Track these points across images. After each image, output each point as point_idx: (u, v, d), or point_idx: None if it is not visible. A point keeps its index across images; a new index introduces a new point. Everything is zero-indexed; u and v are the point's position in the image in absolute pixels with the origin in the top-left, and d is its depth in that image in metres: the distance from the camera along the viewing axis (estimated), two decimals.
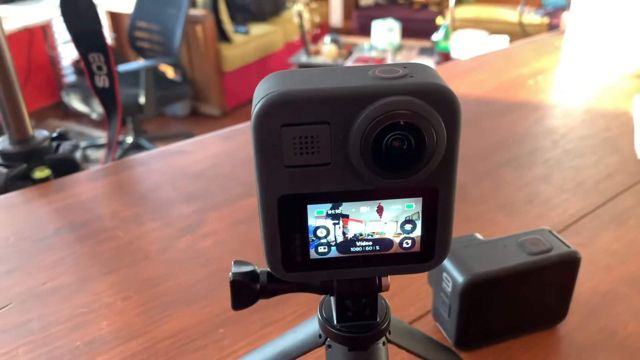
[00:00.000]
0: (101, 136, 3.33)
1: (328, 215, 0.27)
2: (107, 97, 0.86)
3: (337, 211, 0.27)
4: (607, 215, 0.65)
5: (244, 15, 3.84)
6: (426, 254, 0.28)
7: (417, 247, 0.28)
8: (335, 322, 0.33)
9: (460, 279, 0.43)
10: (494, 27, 4.07)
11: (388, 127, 0.24)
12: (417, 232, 0.28)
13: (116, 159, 0.87)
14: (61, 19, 0.77)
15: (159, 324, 0.50)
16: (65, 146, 0.78)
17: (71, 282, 0.56)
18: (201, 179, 0.73)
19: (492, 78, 1.04)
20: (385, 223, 0.28)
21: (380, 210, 0.27)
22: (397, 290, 0.53)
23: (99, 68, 0.83)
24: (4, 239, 0.62)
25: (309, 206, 0.27)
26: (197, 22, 3.40)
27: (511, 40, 3.26)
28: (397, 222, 0.28)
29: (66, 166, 0.77)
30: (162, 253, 0.60)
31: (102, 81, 0.84)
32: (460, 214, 0.65)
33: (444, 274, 0.45)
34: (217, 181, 0.72)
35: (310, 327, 0.36)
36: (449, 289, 0.45)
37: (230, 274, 0.31)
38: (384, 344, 0.34)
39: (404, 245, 0.28)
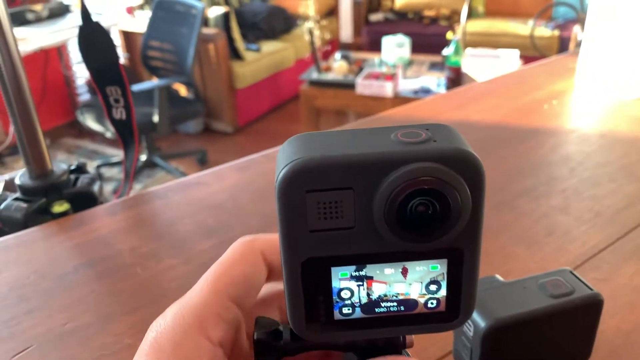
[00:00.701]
0: (115, 154, 3.37)
1: (352, 277, 0.27)
2: (124, 129, 0.87)
3: (362, 273, 0.27)
4: (628, 247, 0.64)
5: (255, 33, 3.87)
6: (451, 313, 0.28)
7: (442, 307, 0.28)
8: None
9: (482, 323, 0.43)
10: (504, 41, 4.08)
11: (412, 193, 0.24)
12: (442, 293, 0.28)
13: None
14: (79, 54, 0.78)
15: None
16: (83, 180, 0.79)
17: (92, 322, 0.56)
18: (220, 212, 0.73)
19: (506, 103, 1.04)
20: (410, 284, 0.28)
21: (404, 272, 0.27)
22: None
23: (116, 100, 0.84)
24: (25, 278, 0.62)
25: (332, 268, 0.27)
26: (209, 41, 3.43)
27: (522, 54, 3.26)
28: (421, 282, 0.28)
29: (84, 200, 0.78)
30: (182, 290, 0.59)
31: (119, 113, 0.85)
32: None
33: None
34: (236, 214, 0.73)
35: None
36: (471, 333, 0.44)
37: (254, 333, 0.31)
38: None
39: (429, 305, 0.28)
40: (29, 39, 2.88)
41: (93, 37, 0.78)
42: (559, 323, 0.45)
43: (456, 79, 3.02)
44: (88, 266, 0.64)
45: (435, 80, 3.14)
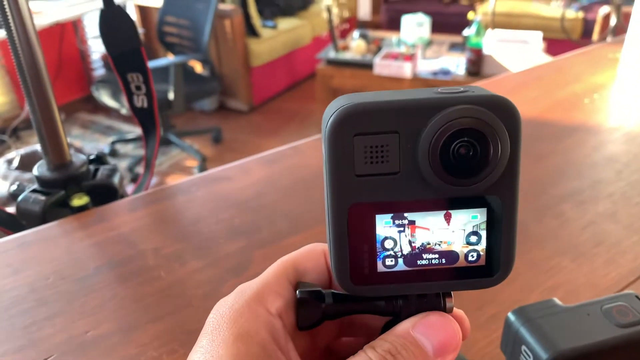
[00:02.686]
0: (130, 131, 3.34)
1: (395, 224, 0.28)
2: (146, 117, 0.83)
3: (404, 220, 0.28)
4: None
5: (272, 9, 3.80)
6: (491, 267, 0.29)
7: (482, 261, 0.29)
8: None
9: (544, 355, 0.39)
10: (526, 22, 3.97)
11: (454, 134, 0.25)
12: (482, 245, 0.28)
13: None
14: (100, 40, 0.74)
15: None
16: (103, 171, 0.75)
17: (114, 331, 0.53)
18: (245, 211, 0.70)
19: (544, 95, 0.99)
20: (453, 231, 0.28)
21: (448, 217, 0.28)
22: (461, 351, 0.49)
23: (138, 88, 0.81)
24: (44, 279, 0.60)
25: (377, 216, 0.27)
26: (225, 17, 3.37)
27: (545, 36, 3.16)
28: (464, 230, 0.28)
29: (104, 192, 0.74)
30: (207, 299, 0.57)
31: (140, 101, 0.82)
32: (523, 258, 0.61)
33: (523, 347, 0.41)
34: (262, 213, 0.69)
35: None
36: None
37: (297, 291, 0.31)
38: None
39: (470, 258, 0.29)
40: (45, 13, 2.84)
41: (114, 21, 0.74)
42: (626, 355, 0.42)
43: (477, 60, 2.94)
44: (109, 267, 0.61)
45: (456, 62, 3.06)
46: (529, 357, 0.41)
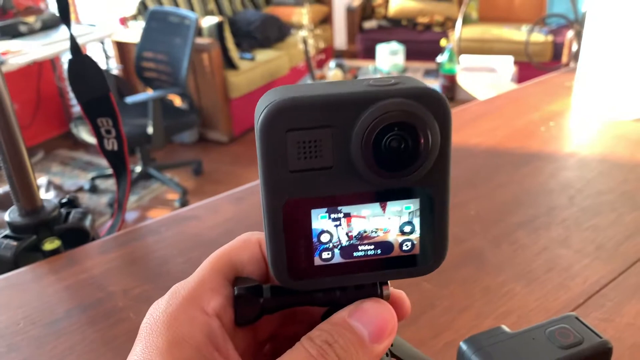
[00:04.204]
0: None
1: (331, 218, 0.28)
2: (117, 160, 0.85)
3: (340, 213, 0.28)
4: (630, 282, 0.63)
5: (249, 41, 3.86)
6: (425, 256, 0.30)
7: (416, 250, 0.30)
8: None
9: None
10: (498, 47, 4.08)
11: (386, 128, 0.26)
12: (416, 234, 0.29)
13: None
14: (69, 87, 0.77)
15: None
16: (75, 215, 0.77)
17: None
18: (214, 249, 0.72)
19: (502, 125, 1.03)
20: (389, 218, 0.29)
21: (383, 206, 0.28)
22: None
23: (108, 132, 0.83)
24: (14, 324, 0.61)
25: (313, 210, 0.28)
26: (203, 51, 3.42)
27: (516, 60, 3.25)
28: (399, 218, 0.29)
29: (76, 235, 0.76)
30: None
31: (110, 144, 0.84)
32: (479, 284, 0.64)
33: None
34: None
35: None
36: None
37: (235, 287, 0.31)
38: (387, 355, 0.34)
39: (404, 247, 0.29)
40: (22, 52, 2.86)
41: (83, 70, 0.76)
42: None
43: (451, 86, 3.02)
44: (79, 310, 0.63)
45: None
46: None
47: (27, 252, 0.73)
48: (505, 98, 1.17)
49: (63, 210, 0.78)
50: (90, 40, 3.18)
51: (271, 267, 0.29)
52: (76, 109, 3.64)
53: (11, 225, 0.74)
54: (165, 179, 3.13)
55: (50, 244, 0.74)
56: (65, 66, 0.75)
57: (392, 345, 0.34)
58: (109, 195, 3.07)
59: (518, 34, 4.15)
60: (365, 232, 0.29)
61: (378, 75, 3.22)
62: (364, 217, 0.28)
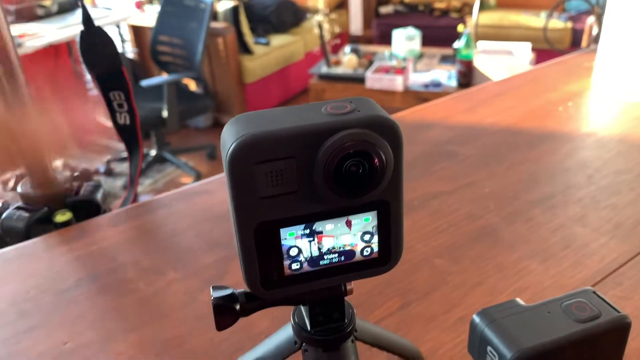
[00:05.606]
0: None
1: (303, 235, 0.31)
2: (129, 134, 0.85)
3: (311, 230, 0.31)
4: None
5: (264, 26, 3.84)
6: (384, 258, 0.33)
7: (375, 254, 0.33)
8: (309, 328, 0.37)
9: (508, 354, 0.41)
10: (516, 33, 4.01)
11: (345, 156, 0.28)
12: (375, 241, 0.33)
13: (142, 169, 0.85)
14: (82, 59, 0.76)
15: None
16: (86, 187, 0.77)
17: (93, 341, 0.54)
18: (224, 223, 0.71)
19: (519, 105, 1.01)
20: (355, 234, 0.32)
21: (349, 224, 0.32)
22: (428, 352, 0.51)
23: (120, 105, 0.82)
24: (25, 292, 0.61)
25: (282, 229, 0.30)
26: (218, 35, 3.41)
27: (534, 47, 3.20)
28: (359, 233, 0.32)
29: (87, 208, 0.76)
30: (185, 308, 0.58)
31: (123, 118, 0.84)
32: (494, 260, 0.63)
33: (489, 348, 0.43)
34: None
35: (284, 335, 0.40)
36: None
37: (212, 298, 0.35)
38: (352, 341, 0.38)
39: (365, 253, 0.33)
40: (39, 34, 2.87)
41: (95, 42, 0.76)
42: (587, 349, 0.43)
43: (467, 72, 2.98)
44: (90, 280, 0.63)
45: (446, 74, 3.09)
46: (495, 356, 0.42)
47: (38, 224, 0.73)
48: (522, 78, 1.15)
49: (75, 184, 0.78)
50: (106, 24, 3.18)
51: (246, 280, 0.31)
52: (92, 92, 3.66)
53: (23, 197, 0.74)
54: (179, 162, 3.13)
55: (61, 216, 0.74)
56: (78, 38, 0.74)
57: (355, 331, 0.38)
58: (124, 178, 3.08)
59: (536, 20, 4.08)
60: (333, 248, 0.32)
61: (395, 63, 3.19)
62: (332, 237, 0.32)
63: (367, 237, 0.32)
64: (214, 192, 0.79)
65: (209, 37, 3.11)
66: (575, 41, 3.96)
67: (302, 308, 0.38)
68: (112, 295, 0.60)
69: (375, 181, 0.29)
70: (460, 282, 0.60)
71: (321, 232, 0.31)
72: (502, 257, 0.63)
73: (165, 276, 0.63)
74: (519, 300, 0.47)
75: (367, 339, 0.42)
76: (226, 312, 0.36)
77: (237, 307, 0.36)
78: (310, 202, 0.30)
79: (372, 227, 0.32)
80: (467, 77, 2.97)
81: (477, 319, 0.46)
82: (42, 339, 0.55)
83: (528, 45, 3.13)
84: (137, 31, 3.80)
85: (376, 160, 0.29)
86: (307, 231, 0.31)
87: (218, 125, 3.75)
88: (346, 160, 0.28)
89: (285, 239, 0.31)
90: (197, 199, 0.77)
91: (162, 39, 3.12)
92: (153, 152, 3.10)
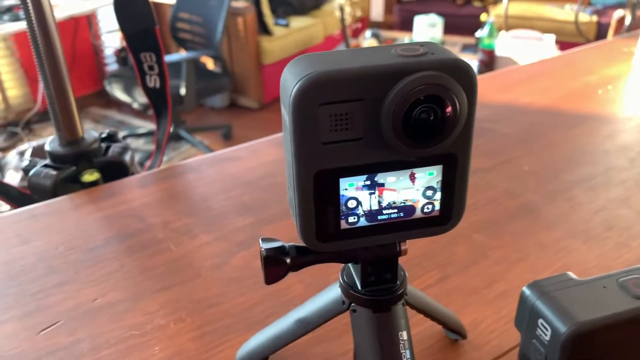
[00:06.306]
0: (141, 125, 3.35)
1: (364, 187, 0.29)
2: (158, 98, 0.83)
3: (373, 181, 0.29)
4: None
5: (284, 8, 3.80)
6: (444, 217, 0.31)
7: (436, 212, 0.31)
8: (359, 287, 0.35)
9: (562, 328, 0.39)
10: (539, 25, 3.95)
11: (417, 101, 0.26)
12: (437, 197, 0.31)
13: None
14: (115, 17, 0.75)
15: (215, 352, 0.47)
16: (114, 149, 0.76)
17: (121, 299, 0.53)
18: (255, 189, 0.70)
19: (557, 86, 0.98)
20: (417, 190, 0.30)
21: (412, 177, 0.30)
22: (469, 326, 0.49)
23: (151, 68, 0.81)
24: (54, 248, 0.60)
25: (341, 179, 0.28)
26: (238, 14, 3.38)
27: (558, 39, 3.14)
28: (422, 188, 0.30)
29: (115, 169, 0.75)
30: (216, 270, 0.57)
31: (153, 81, 0.82)
32: (534, 238, 0.61)
33: (540, 320, 0.41)
34: (272, 192, 0.69)
35: (331, 295, 0.38)
36: (547, 338, 0.40)
37: (262, 249, 0.33)
38: (403, 304, 0.36)
39: (425, 210, 0.31)
40: (60, 6, 2.86)
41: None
42: None
43: (489, 61, 2.93)
44: (118, 240, 0.61)
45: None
46: (547, 330, 0.40)
47: (66, 183, 0.72)
48: (559, 60, 1.11)
49: (103, 145, 0.77)
50: None
51: (300, 232, 0.30)
52: (111, 67, 3.65)
53: (51, 154, 0.73)
54: (195, 141, 3.12)
55: (89, 176, 0.72)
56: (105, 10, 0.72)
57: (406, 295, 0.36)
58: (140, 154, 3.08)
59: (561, 12, 4.02)
60: (394, 202, 0.30)
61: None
62: (394, 190, 0.30)
63: (429, 193, 0.30)
64: (243, 158, 0.77)
65: (229, 16, 3.09)
66: (600, 35, 3.90)
67: (352, 267, 0.36)
68: (142, 255, 0.59)
69: (447, 130, 0.27)
70: (500, 257, 0.58)
71: (382, 185, 0.29)
72: (542, 234, 0.61)
73: (195, 238, 0.61)
74: (571, 274, 0.45)
75: (416, 305, 0.41)
76: (276, 264, 0.34)
77: (288, 260, 0.34)
78: (374, 152, 0.28)
79: (436, 183, 0.30)
80: (489, 66, 2.92)
81: (527, 291, 0.44)
82: (72, 295, 0.53)
83: (552, 37, 3.08)
84: (157, 7, 3.77)
85: (449, 108, 0.26)
86: (368, 182, 0.29)
87: (234, 106, 3.74)
88: (417, 105, 0.26)
89: (345, 189, 0.29)
90: (227, 165, 0.75)
91: (182, 15, 3.10)
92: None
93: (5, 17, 2.58)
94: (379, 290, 0.35)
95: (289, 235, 0.61)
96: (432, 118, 0.27)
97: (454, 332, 0.47)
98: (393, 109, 0.26)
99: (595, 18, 3.99)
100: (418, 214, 0.31)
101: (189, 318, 0.51)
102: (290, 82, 0.26)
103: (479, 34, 3.02)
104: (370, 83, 0.26)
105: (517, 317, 0.46)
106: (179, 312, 0.51)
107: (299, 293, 0.53)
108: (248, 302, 0.52)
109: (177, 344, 0.48)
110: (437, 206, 0.31)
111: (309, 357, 0.47)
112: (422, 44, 0.28)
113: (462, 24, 3.96)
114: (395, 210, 0.30)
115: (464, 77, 0.27)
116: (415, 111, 0.26)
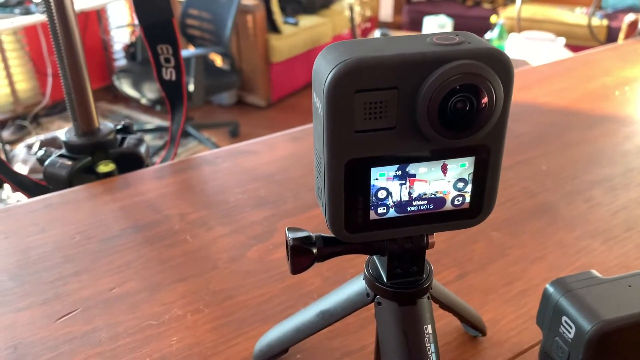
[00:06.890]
0: (149, 121, 3.36)
1: (395, 177, 0.29)
2: (173, 90, 0.83)
3: (404, 171, 0.28)
4: None
5: (294, 6, 3.80)
6: (474, 210, 0.31)
7: (466, 204, 0.31)
8: (385, 280, 0.35)
9: (587, 326, 0.38)
10: (548, 28, 3.93)
11: (453, 90, 0.25)
12: (468, 190, 0.30)
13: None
14: (133, 7, 0.74)
15: (232, 343, 0.47)
16: (130, 140, 0.75)
17: (139, 289, 0.53)
18: (271, 183, 0.69)
19: (573, 87, 0.98)
20: (449, 181, 0.29)
21: (444, 169, 0.29)
22: (489, 323, 0.49)
23: (167, 60, 0.81)
24: (70, 237, 0.60)
25: (373, 169, 0.28)
26: (247, 12, 3.38)
27: (568, 43, 3.13)
28: (454, 180, 0.30)
29: (130, 161, 0.74)
30: (233, 262, 0.56)
31: (168, 74, 0.82)
32: (553, 237, 0.60)
33: (564, 318, 0.40)
34: (288, 186, 0.69)
35: (355, 287, 0.38)
36: (571, 336, 0.40)
37: (289, 239, 0.33)
38: (428, 298, 0.36)
39: (455, 202, 0.30)
40: None
41: None
42: None
43: None
44: (135, 230, 0.61)
45: None
46: (571, 328, 0.40)
47: (81, 173, 0.72)
48: (574, 61, 1.11)
49: (119, 136, 0.76)
50: None
51: (328, 221, 0.29)
52: (119, 62, 3.66)
53: (67, 144, 0.73)
54: (202, 137, 3.12)
55: (104, 167, 0.72)
56: (114, 5, 0.72)
57: (431, 289, 0.36)
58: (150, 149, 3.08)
59: (571, 15, 4.00)
60: (425, 194, 0.30)
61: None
62: (425, 182, 0.29)
63: (460, 184, 0.30)
64: (259, 152, 0.77)
65: (238, 14, 3.09)
66: (610, 39, 3.88)
67: (377, 259, 0.36)
68: (158, 246, 0.59)
69: (482, 121, 0.27)
70: (519, 256, 0.57)
71: (414, 176, 0.29)
72: (561, 234, 0.61)
73: (212, 230, 0.61)
74: (595, 272, 0.44)
75: (441, 300, 0.40)
76: (303, 254, 0.33)
77: (315, 250, 0.34)
78: (407, 141, 0.27)
79: (468, 175, 0.30)
80: None
81: (551, 288, 0.44)
82: (89, 284, 0.53)
83: (562, 40, 3.07)
84: None
85: (485, 98, 0.26)
86: (400, 173, 0.28)
87: (241, 104, 3.74)
88: (453, 94, 0.26)
89: (376, 179, 0.28)
90: (243, 159, 0.75)
91: (192, 12, 3.10)
92: None
93: (17, 10, 2.58)
94: (404, 282, 0.35)
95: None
96: (467, 108, 0.26)
97: (475, 328, 0.46)
98: (429, 97, 0.26)
99: (605, 22, 3.98)
100: (448, 206, 0.30)
101: (206, 309, 0.50)
102: (325, 69, 0.26)
103: (488, 35, 3.02)
104: (406, 71, 0.26)
105: (539, 314, 0.45)
106: (196, 303, 0.51)
107: (317, 286, 0.53)
108: (265, 295, 0.52)
109: (195, 334, 0.48)
110: (467, 199, 0.30)
111: (326, 350, 0.46)
112: (457, 34, 0.28)
113: (471, 25, 3.95)
114: (425, 202, 0.30)
115: (501, 67, 0.26)
116: (451, 101, 0.26)
